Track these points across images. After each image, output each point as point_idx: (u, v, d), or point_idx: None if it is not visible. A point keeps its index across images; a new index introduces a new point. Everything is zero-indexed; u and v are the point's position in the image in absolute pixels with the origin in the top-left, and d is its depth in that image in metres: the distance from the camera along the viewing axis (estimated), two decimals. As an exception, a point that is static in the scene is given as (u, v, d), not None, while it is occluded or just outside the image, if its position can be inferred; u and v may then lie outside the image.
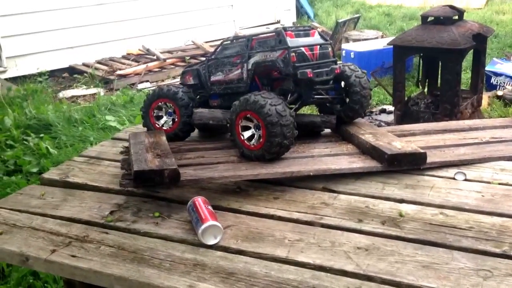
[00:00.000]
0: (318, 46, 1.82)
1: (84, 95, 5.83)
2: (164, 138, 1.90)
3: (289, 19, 8.70)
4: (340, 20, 6.81)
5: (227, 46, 1.99)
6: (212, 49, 6.96)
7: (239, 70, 1.91)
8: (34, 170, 3.51)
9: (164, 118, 2.05)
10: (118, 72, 6.25)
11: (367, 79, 1.95)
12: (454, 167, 1.73)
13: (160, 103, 2.03)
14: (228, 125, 1.82)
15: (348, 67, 1.94)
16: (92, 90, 5.95)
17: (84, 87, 6.11)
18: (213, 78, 2.02)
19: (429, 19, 3.78)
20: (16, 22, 6.11)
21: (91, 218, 1.55)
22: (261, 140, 1.70)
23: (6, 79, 6.02)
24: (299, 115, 1.94)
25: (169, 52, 6.94)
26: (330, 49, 1.87)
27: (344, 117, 1.98)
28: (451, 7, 3.80)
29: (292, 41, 1.77)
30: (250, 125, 1.75)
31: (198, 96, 2.08)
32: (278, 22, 8.52)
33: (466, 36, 3.59)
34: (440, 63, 3.81)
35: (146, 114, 2.06)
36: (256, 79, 1.90)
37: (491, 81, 5.07)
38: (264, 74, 1.88)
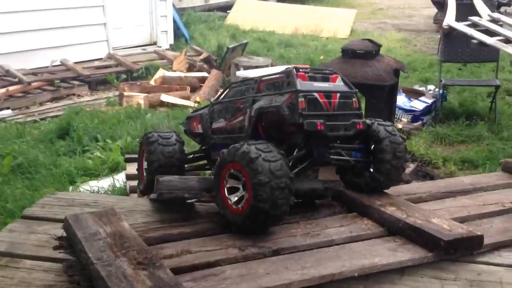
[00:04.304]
0: (338, 94, 1.46)
1: None
2: (125, 224, 1.30)
3: (166, 41, 8.18)
4: (230, 46, 6.49)
5: (234, 88, 1.61)
6: (85, 72, 6.17)
7: (242, 117, 1.51)
8: None
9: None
10: (-30, 97, 5.14)
11: (405, 147, 1.56)
12: (506, 248, 1.42)
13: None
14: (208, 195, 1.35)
15: (385, 128, 1.55)
16: None
17: None
18: (214, 125, 1.62)
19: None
20: None
21: None
22: (245, 203, 1.29)
23: None
24: (297, 180, 1.49)
25: (33, 74, 5.94)
26: (354, 99, 1.50)
27: (364, 187, 1.59)
28: (370, 41, 3.67)
29: (303, 84, 1.42)
30: (239, 186, 1.34)
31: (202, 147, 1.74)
32: (154, 43, 7.94)
33: (388, 72, 3.48)
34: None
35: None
36: (260, 129, 1.49)
37: (387, 114, 5.13)
38: (272, 124, 1.48)
